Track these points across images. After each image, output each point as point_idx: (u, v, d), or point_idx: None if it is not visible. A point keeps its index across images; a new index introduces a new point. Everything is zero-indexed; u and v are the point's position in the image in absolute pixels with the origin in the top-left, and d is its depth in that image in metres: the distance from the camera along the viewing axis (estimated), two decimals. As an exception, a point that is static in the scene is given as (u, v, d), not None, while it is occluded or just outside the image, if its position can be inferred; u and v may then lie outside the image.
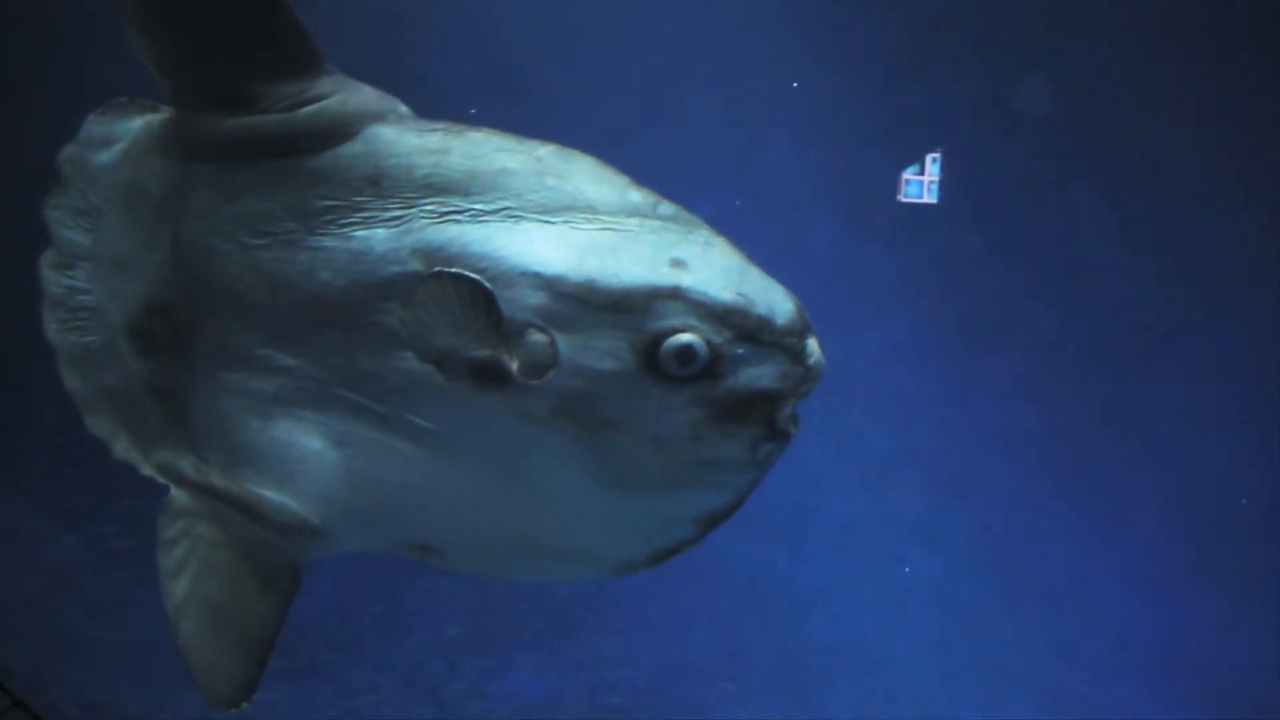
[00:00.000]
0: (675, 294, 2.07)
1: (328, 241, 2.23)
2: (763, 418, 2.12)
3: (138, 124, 2.46)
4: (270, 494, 2.31)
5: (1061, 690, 9.51)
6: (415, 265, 2.15)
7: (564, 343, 2.09)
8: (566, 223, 2.14)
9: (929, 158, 9.63)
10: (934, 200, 9.72)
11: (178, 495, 2.46)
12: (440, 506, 2.24)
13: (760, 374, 2.11)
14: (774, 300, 2.13)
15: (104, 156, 2.48)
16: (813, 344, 2.16)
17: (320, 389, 2.27)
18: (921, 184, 9.92)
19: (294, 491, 2.30)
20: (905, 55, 9.99)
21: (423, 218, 2.17)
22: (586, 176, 2.18)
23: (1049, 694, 9.28)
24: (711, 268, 2.11)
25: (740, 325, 2.09)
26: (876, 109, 9.91)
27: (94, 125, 2.49)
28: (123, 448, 2.50)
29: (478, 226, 2.15)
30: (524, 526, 2.22)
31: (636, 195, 2.17)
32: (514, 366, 2.10)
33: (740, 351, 2.09)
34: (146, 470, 2.48)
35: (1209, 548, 9.48)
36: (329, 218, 2.23)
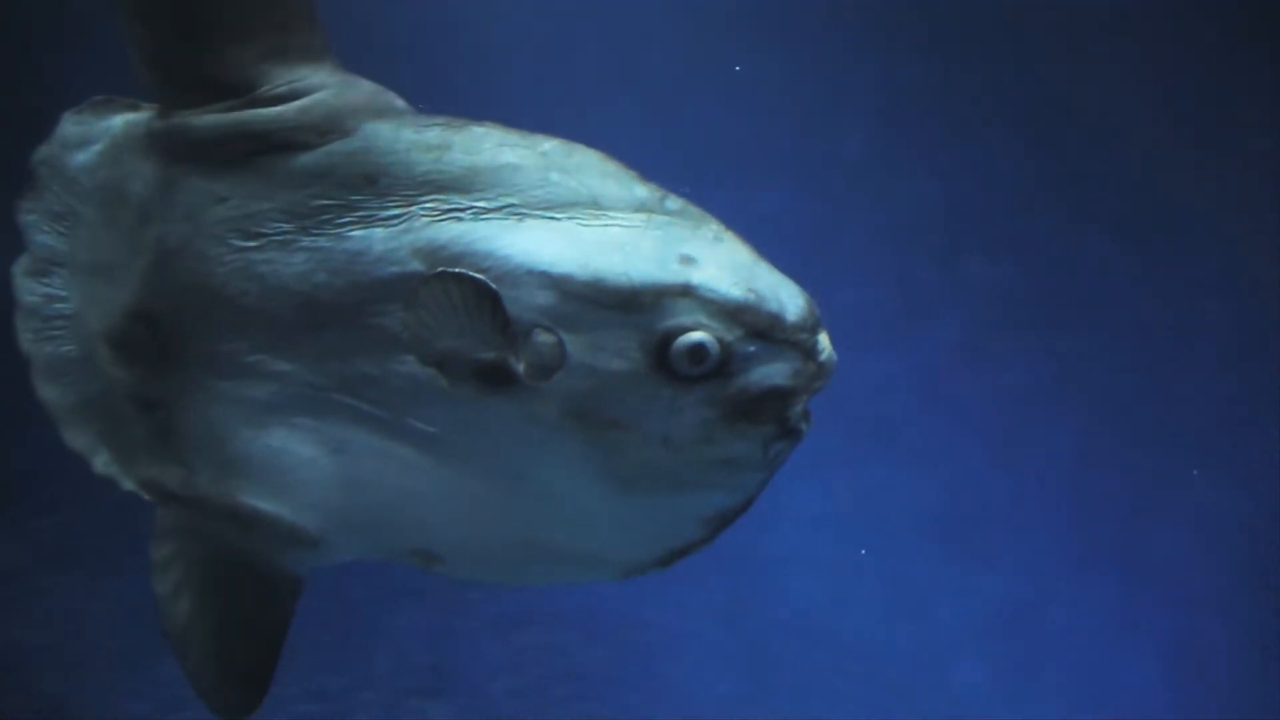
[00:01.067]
0: (685, 291, 2.04)
1: (323, 242, 2.16)
2: (774, 416, 2.10)
3: (117, 123, 2.37)
4: (265, 505, 2.25)
5: (1011, 661, 9.67)
6: (416, 265, 2.10)
7: (572, 343, 2.05)
8: (572, 219, 2.09)
9: None
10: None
11: (166, 514, 2.39)
12: (444, 512, 2.19)
13: (772, 372, 2.07)
14: (785, 296, 2.10)
15: (81, 157, 2.38)
16: (824, 340, 2.13)
17: (316, 394, 2.21)
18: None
19: (290, 501, 2.24)
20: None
21: (423, 216, 2.12)
22: (592, 171, 2.13)
23: (1002, 662, 9.45)
24: (721, 264, 2.07)
25: (752, 322, 2.05)
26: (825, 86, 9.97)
27: (70, 125, 2.39)
28: (103, 462, 2.41)
29: (480, 224, 2.09)
30: (531, 530, 2.18)
31: (643, 190, 2.13)
32: (520, 368, 2.06)
33: (752, 349, 2.06)
34: (129, 486, 2.40)
35: (1156, 524, 9.66)
36: (324, 218, 2.17)
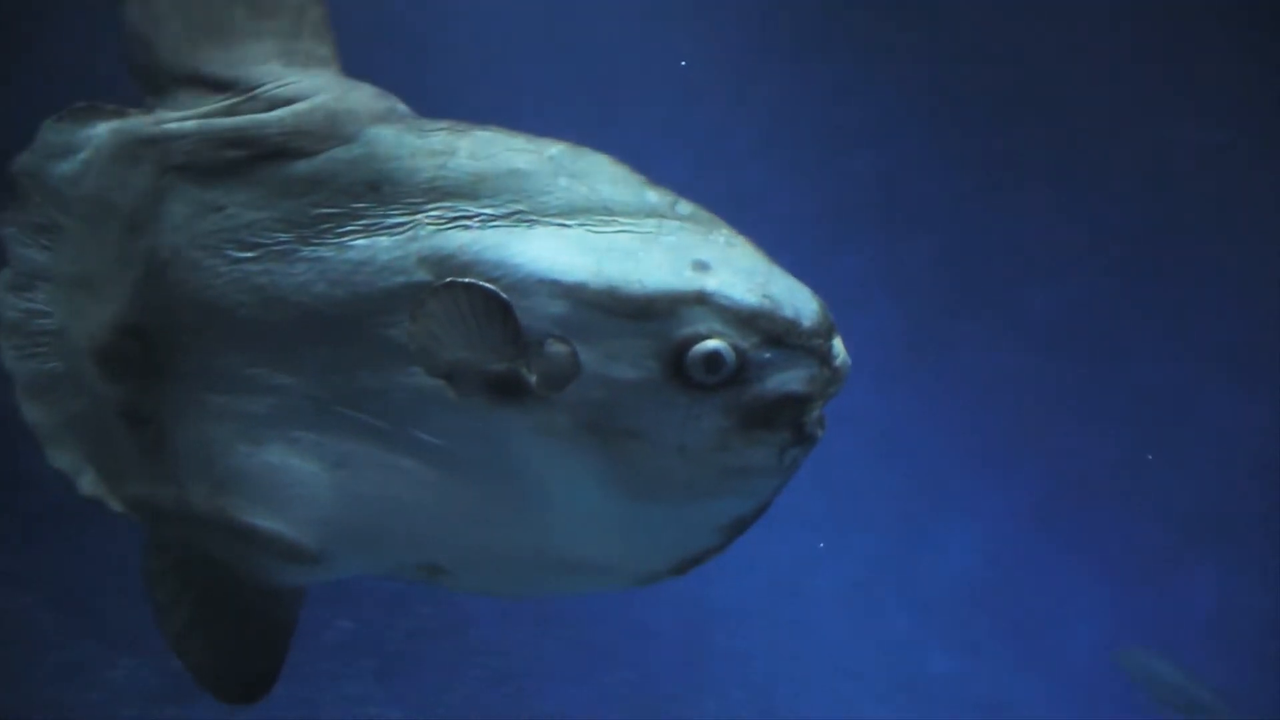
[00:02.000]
0: (700, 299, 2.00)
1: (325, 252, 2.10)
2: (790, 422, 2.06)
3: (103, 130, 2.27)
4: (262, 521, 2.18)
5: (965, 639, 9.80)
6: (422, 275, 2.04)
7: (585, 352, 2.00)
8: (583, 225, 2.04)
9: None
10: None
11: (158, 532, 2.32)
12: (452, 526, 2.14)
13: (788, 378, 2.04)
14: (799, 301, 2.06)
15: (65, 167, 2.28)
16: (838, 344, 2.10)
17: (317, 408, 2.14)
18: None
19: (289, 517, 2.17)
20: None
21: (429, 224, 2.06)
22: (601, 176, 2.09)
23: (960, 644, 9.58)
24: (735, 269, 2.04)
25: (767, 329, 2.01)
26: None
27: (52, 133, 2.29)
28: (89, 482, 2.32)
29: (489, 232, 2.04)
30: (543, 542, 2.13)
31: (653, 194, 2.09)
32: (533, 379, 2.01)
33: (768, 356, 2.02)
34: (116, 506, 2.32)
35: (1082, 520, 9.82)
36: (326, 226, 2.10)
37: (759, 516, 2.17)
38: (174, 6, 2.19)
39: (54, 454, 2.33)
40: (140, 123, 2.24)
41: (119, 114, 2.28)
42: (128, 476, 2.30)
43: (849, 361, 2.11)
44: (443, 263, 2.03)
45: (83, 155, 2.28)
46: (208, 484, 2.21)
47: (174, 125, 2.19)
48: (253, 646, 2.36)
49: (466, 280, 2.00)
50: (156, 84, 2.23)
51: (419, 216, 2.07)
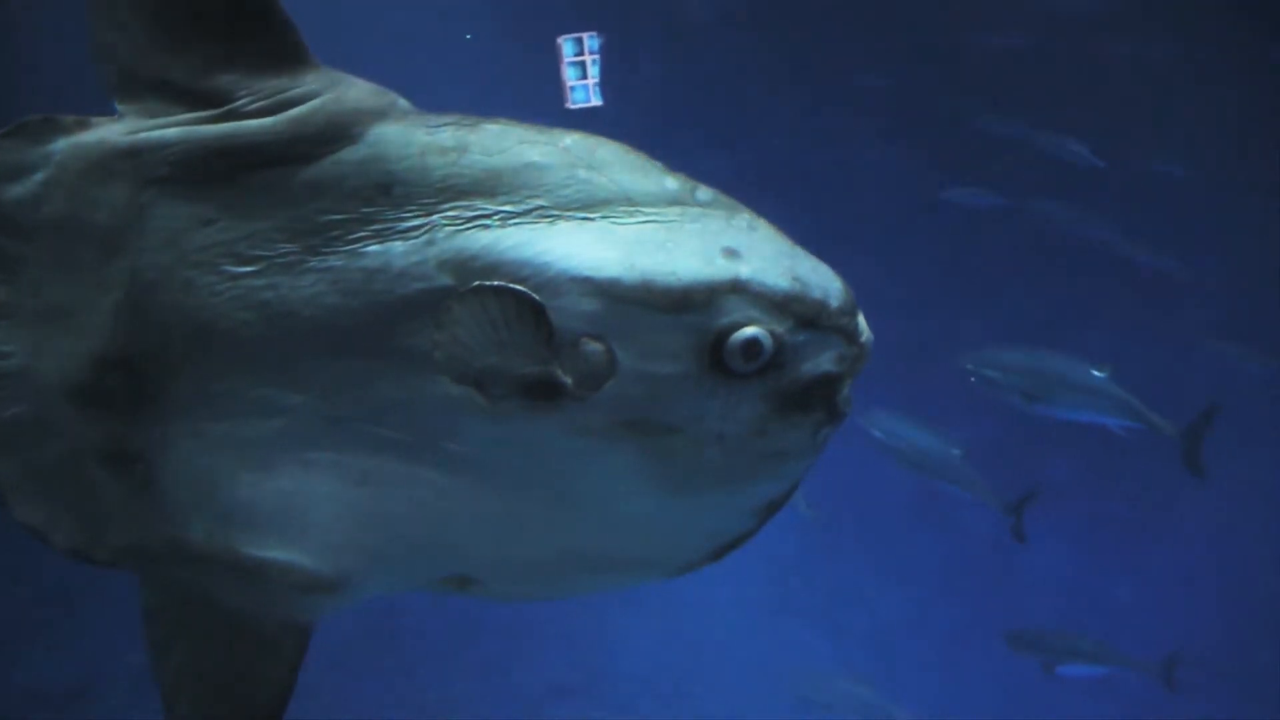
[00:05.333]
0: (735, 287, 1.96)
1: (335, 261, 1.98)
2: (824, 402, 2.06)
3: (62, 146, 2.07)
4: (274, 554, 2.05)
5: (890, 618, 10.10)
6: (445, 280, 1.95)
7: (621, 349, 1.94)
8: (606, 218, 1.98)
9: (588, 60, 9.98)
10: (600, 102, 10.06)
11: (152, 576, 2.15)
12: (483, 534, 2.06)
13: (822, 359, 2.03)
14: (826, 281, 2.05)
15: (19, 190, 2.07)
16: (862, 321, 2.10)
17: (333, 426, 2.03)
18: (587, 88, 10.24)
19: (305, 545, 2.05)
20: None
21: (446, 225, 1.96)
22: (619, 165, 2.02)
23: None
24: (763, 255, 2.01)
25: (800, 312, 2.00)
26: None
27: (1, 153, 2.08)
28: (64, 537, 2.13)
29: (511, 230, 1.96)
30: (580, 543, 2.08)
31: (673, 182, 2.04)
32: (568, 381, 1.94)
33: (802, 339, 2.01)
34: (101, 559, 2.13)
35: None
36: (334, 234, 1.98)
37: (791, 495, 2.16)
38: (141, 12, 2.01)
39: (21, 510, 2.12)
40: (111, 133, 2.06)
41: (81, 126, 2.08)
42: (111, 524, 2.12)
43: (872, 337, 2.12)
44: (465, 265, 1.94)
45: (41, 175, 2.07)
46: (209, 519, 2.07)
47: (153, 135, 2.03)
48: (250, 700, 2.17)
49: (496, 284, 1.92)
50: (127, 91, 2.06)
51: (435, 218, 1.97)
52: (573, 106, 10.38)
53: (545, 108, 10.23)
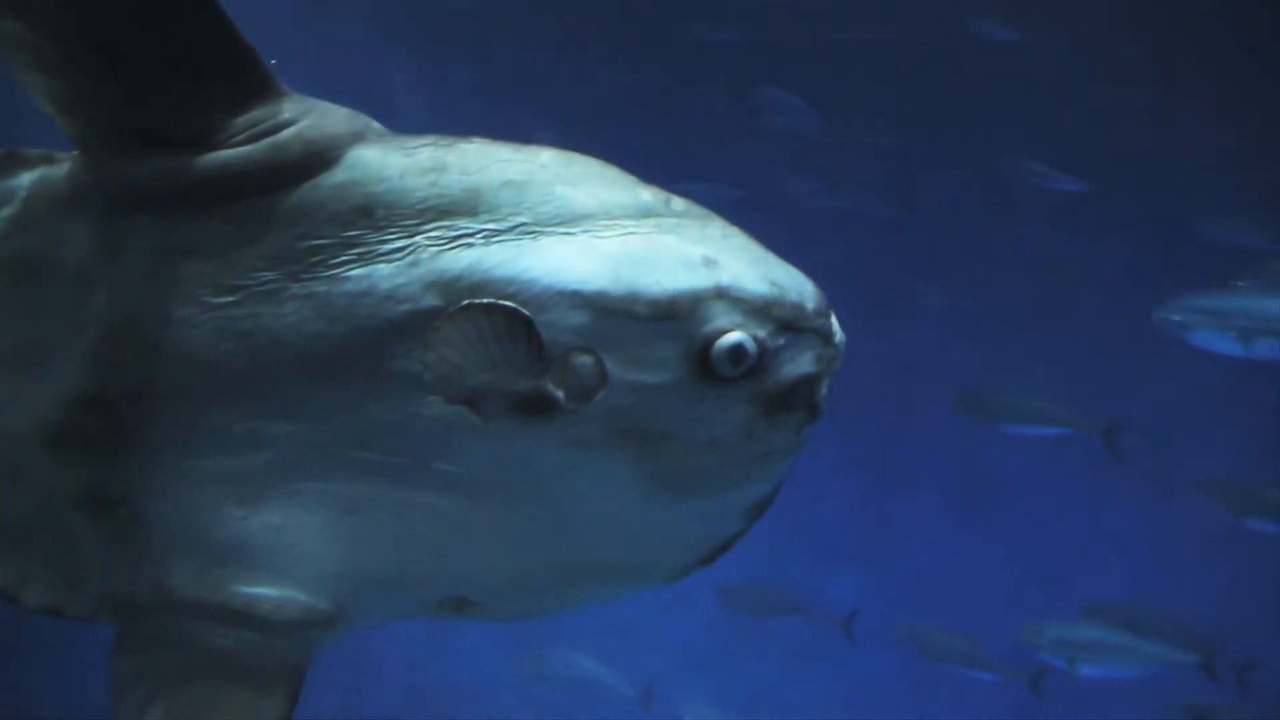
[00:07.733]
0: (719, 294, 2.00)
1: (318, 287, 1.97)
2: (806, 402, 2.11)
3: (26, 181, 2.03)
4: (266, 591, 2.01)
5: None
6: (431, 300, 1.95)
7: (611, 360, 1.97)
8: (587, 232, 2.00)
9: None
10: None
11: (133, 630, 2.05)
12: (480, 554, 2.07)
13: (801, 360, 2.08)
14: (801, 285, 2.11)
15: None
16: (835, 322, 2.17)
17: (321, 454, 2.01)
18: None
19: (298, 579, 2.02)
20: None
21: (429, 246, 1.97)
22: (595, 180, 2.05)
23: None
24: (740, 261, 2.06)
25: (779, 316, 2.05)
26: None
27: None
28: (36, 594, 2.05)
29: (495, 248, 1.97)
30: (577, 555, 2.10)
31: (647, 194, 2.08)
32: (560, 394, 1.96)
33: (782, 342, 2.06)
34: (79, 612, 2.06)
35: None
36: (315, 259, 1.97)
37: (777, 495, 2.21)
38: (98, 73, 1.94)
39: None
40: (82, 168, 2.02)
41: (48, 160, 2.05)
42: (90, 574, 2.05)
43: (844, 337, 2.18)
44: (451, 285, 1.95)
45: (6, 212, 2.04)
46: (196, 559, 2.02)
47: (126, 170, 1.99)
48: None
49: (485, 301, 1.93)
50: (90, 136, 2.00)
51: (418, 239, 1.97)
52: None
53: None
